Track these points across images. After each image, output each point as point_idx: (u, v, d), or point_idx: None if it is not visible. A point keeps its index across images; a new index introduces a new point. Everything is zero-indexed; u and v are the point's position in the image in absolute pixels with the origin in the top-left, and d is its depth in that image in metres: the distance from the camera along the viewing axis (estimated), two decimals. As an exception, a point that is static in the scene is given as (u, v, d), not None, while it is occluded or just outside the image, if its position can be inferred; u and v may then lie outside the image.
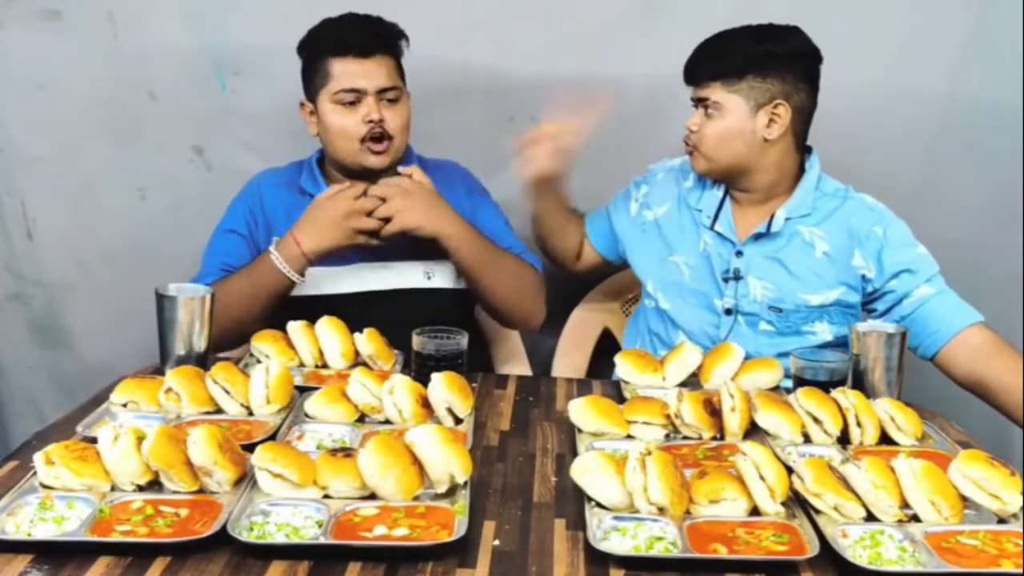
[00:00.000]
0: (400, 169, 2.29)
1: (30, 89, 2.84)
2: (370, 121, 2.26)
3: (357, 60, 2.27)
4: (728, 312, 2.29)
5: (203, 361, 2.01)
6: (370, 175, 2.32)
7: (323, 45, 2.30)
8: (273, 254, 2.18)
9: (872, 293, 2.24)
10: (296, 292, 2.30)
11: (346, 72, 2.27)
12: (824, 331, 2.26)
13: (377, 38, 2.30)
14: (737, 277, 2.27)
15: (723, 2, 2.76)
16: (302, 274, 2.20)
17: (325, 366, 2.13)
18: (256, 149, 2.79)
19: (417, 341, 2.03)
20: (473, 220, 2.34)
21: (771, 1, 2.62)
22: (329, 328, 2.13)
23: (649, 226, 2.41)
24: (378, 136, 2.28)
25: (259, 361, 2.08)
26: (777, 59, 2.18)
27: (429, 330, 2.04)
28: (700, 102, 2.24)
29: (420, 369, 2.01)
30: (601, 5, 2.82)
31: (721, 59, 2.20)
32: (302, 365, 2.12)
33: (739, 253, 2.28)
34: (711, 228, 2.31)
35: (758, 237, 2.27)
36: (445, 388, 1.82)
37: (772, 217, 2.25)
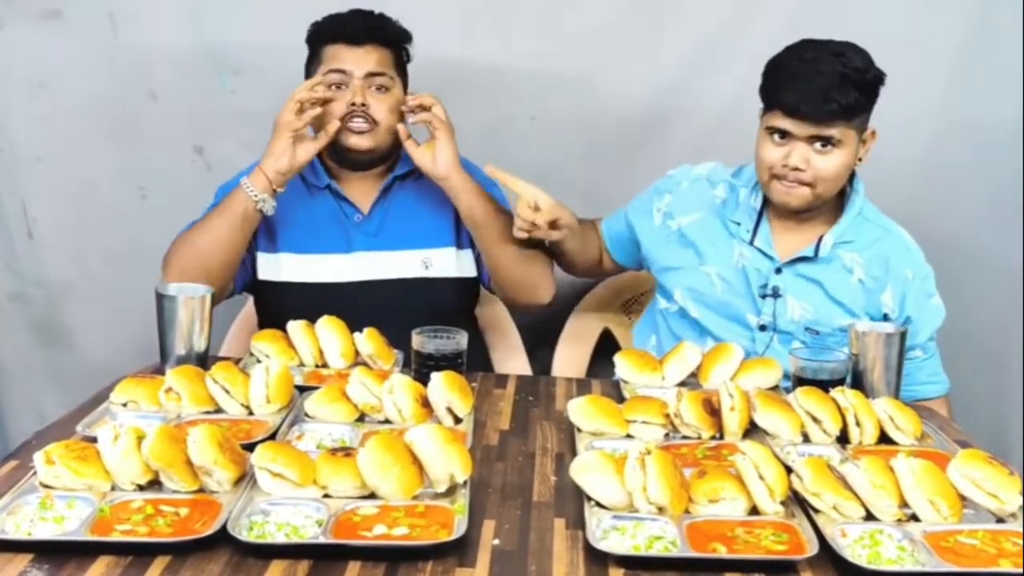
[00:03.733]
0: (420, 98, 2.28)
1: (30, 89, 2.84)
2: (352, 104, 2.27)
3: (347, 46, 2.31)
4: (763, 328, 2.25)
5: (203, 361, 2.02)
6: (354, 158, 2.35)
7: (321, 35, 2.35)
8: (243, 181, 2.21)
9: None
10: (293, 279, 2.32)
11: (336, 56, 2.31)
12: None
13: (372, 29, 2.33)
14: (776, 295, 2.23)
15: (724, 3, 2.77)
16: (271, 195, 2.21)
17: (325, 366, 2.13)
18: (256, 149, 2.76)
19: (417, 341, 2.03)
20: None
21: (770, 4, 2.63)
22: (329, 328, 2.13)
23: (674, 235, 2.34)
24: (361, 119, 2.29)
25: (259, 361, 2.08)
26: (879, 84, 2.14)
27: (429, 330, 2.05)
28: (816, 139, 2.10)
29: (420, 369, 2.01)
30: (601, 4, 2.82)
31: (847, 94, 2.06)
32: (302, 365, 2.12)
33: (778, 271, 2.23)
34: (751, 243, 2.25)
35: (801, 258, 2.22)
36: (445, 388, 1.82)
37: (820, 241, 2.20)
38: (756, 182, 2.26)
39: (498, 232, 2.30)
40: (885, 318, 2.21)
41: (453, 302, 2.39)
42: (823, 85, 2.06)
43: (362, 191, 2.40)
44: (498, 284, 2.41)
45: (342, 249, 2.36)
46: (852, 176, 2.24)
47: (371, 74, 2.30)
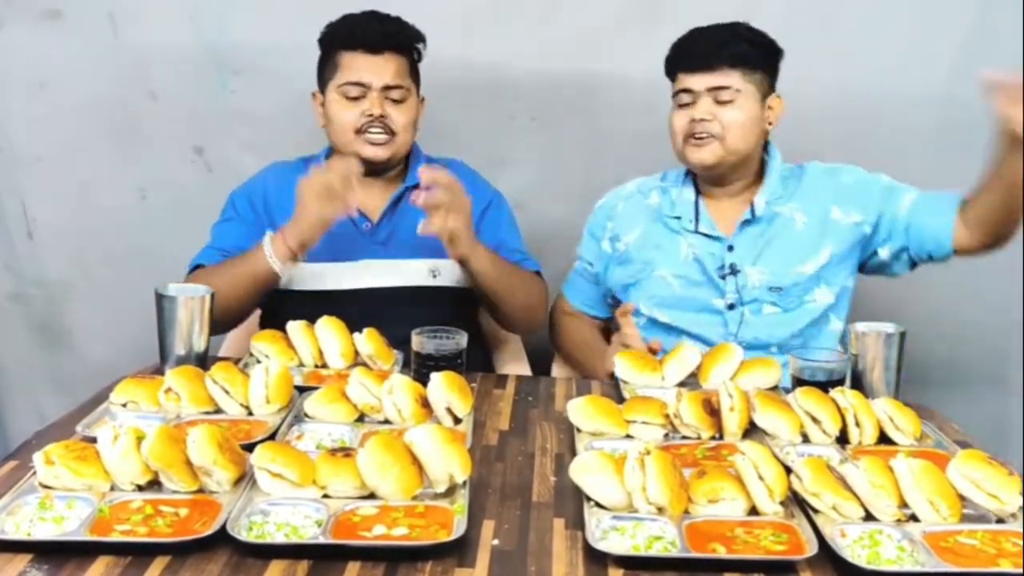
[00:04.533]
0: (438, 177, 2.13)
1: (30, 89, 2.84)
2: (370, 115, 2.29)
3: (365, 55, 2.30)
4: (731, 307, 2.30)
5: (203, 361, 2.02)
6: (369, 167, 2.33)
7: (336, 38, 2.34)
8: (265, 242, 2.18)
9: (873, 232, 2.29)
10: (300, 286, 2.32)
11: (353, 65, 2.30)
12: (824, 295, 2.29)
13: (389, 35, 2.32)
14: (734, 271, 2.29)
15: (722, 2, 2.76)
16: (292, 262, 2.19)
17: (325, 366, 2.13)
18: (256, 149, 2.79)
19: (416, 341, 2.03)
20: (479, 224, 2.35)
21: (768, 3, 2.63)
22: (329, 328, 2.13)
23: (623, 255, 2.41)
24: (379, 130, 2.30)
25: (259, 361, 2.08)
26: (775, 54, 2.27)
27: (428, 330, 2.05)
28: (712, 91, 2.22)
29: (419, 369, 2.01)
30: (601, 4, 2.82)
31: (738, 45, 2.21)
32: (302, 365, 2.12)
33: (731, 248, 2.30)
34: (696, 231, 2.32)
35: (744, 225, 2.30)
36: (444, 388, 1.82)
37: (752, 205, 2.30)
38: (684, 176, 2.39)
39: (503, 287, 2.30)
40: (856, 225, 2.28)
41: (459, 311, 2.39)
42: (712, 37, 2.23)
43: (372, 199, 2.39)
44: (495, 318, 2.45)
45: (350, 257, 2.36)
46: (767, 145, 2.35)
47: (389, 86, 2.31)
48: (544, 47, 2.81)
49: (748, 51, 2.22)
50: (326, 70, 2.36)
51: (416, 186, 2.32)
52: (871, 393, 1.94)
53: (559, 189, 2.90)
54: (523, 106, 2.86)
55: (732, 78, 2.21)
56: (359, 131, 2.31)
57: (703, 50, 2.23)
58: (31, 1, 2.78)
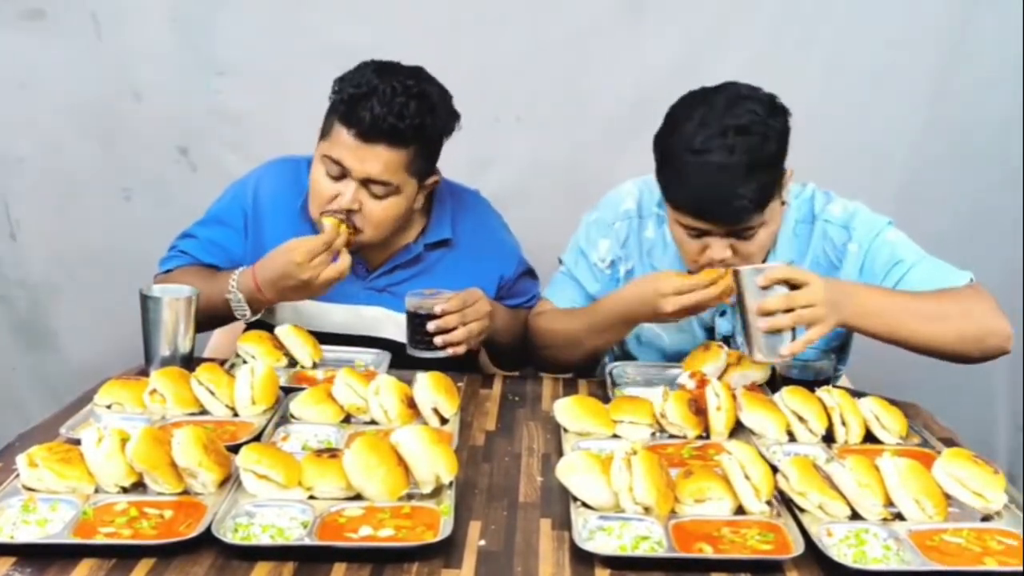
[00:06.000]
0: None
1: (12, 89, 2.84)
2: (338, 207, 2.09)
3: (355, 139, 2.05)
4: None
5: (188, 362, 2.01)
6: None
7: (342, 99, 2.07)
8: (234, 291, 2.10)
9: None
10: (288, 324, 2.18)
11: (340, 143, 2.07)
12: None
13: (390, 127, 2.03)
14: (726, 339, 2.13)
15: (708, 5, 2.77)
16: (258, 312, 2.16)
17: (315, 366, 2.12)
18: (241, 150, 2.79)
19: (410, 302, 2.07)
20: (513, 288, 2.34)
21: (755, 4, 2.63)
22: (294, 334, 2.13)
23: (621, 282, 2.21)
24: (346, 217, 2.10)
25: (245, 362, 2.07)
26: (787, 137, 1.92)
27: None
28: (735, 234, 1.92)
29: (413, 334, 2.06)
30: (586, 7, 2.82)
31: (753, 185, 1.86)
32: (290, 366, 2.11)
33: (723, 313, 2.16)
34: None
35: None
36: (431, 388, 1.82)
37: None
38: None
39: (512, 340, 2.29)
40: None
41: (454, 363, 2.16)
42: (727, 184, 1.86)
43: (375, 252, 2.26)
44: (492, 360, 2.43)
45: (341, 300, 2.25)
46: None
47: (369, 180, 2.08)
48: (530, 48, 2.82)
49: (769, 181, 1.87)
50: (327, 121, 2.11)
51: (430, 244, 2.27)
52: (752, 344, 1.88)
53: (543, 188, 2.91)
54: (508, 108, 2.86)
55: (754, 219, 1.91)
56: (325, 212, 2.11)
57: (719, 207, 1.87)
58: (13, 1, 2.77)
